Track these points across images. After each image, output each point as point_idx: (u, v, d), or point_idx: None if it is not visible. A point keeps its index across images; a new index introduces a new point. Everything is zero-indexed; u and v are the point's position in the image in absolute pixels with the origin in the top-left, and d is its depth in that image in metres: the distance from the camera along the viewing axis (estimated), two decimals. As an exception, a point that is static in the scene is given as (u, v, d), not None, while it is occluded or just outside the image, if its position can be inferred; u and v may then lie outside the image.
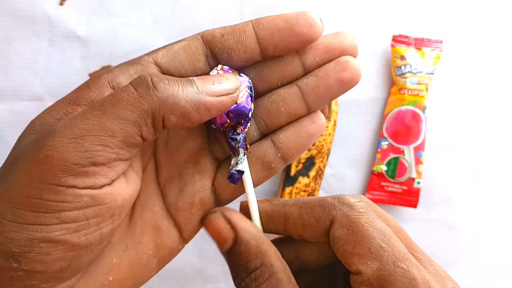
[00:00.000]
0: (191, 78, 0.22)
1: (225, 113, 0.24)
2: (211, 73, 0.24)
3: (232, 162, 0.25)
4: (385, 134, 0.47)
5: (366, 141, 0.49)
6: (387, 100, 0.48)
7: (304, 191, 0.46)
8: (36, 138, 0.21)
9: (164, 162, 0.26)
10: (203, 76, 0.22)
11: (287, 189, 0.45)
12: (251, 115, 0.26)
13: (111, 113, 0.20)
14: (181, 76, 0.24)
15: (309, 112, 0.26)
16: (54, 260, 0.20)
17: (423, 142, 0.47)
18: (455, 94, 0.49)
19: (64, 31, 0.48)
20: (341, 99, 0.47)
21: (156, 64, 0.23)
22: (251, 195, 0.26)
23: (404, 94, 0.47)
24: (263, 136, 0.27)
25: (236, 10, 0.48)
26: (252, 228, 0.24)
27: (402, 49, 0.47)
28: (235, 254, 0.23)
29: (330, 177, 0.48)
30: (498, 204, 0.49)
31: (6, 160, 0.22)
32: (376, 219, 0.22)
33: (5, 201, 0.20)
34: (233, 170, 0.25)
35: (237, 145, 0.25)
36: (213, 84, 0.22)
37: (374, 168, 0.48)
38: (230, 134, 0.25)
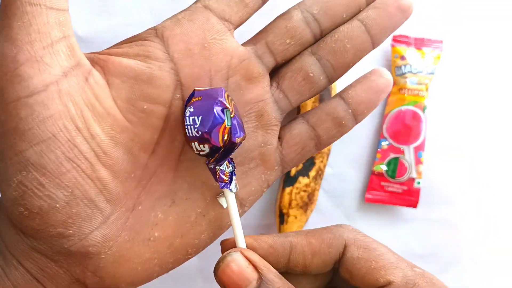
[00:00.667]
0: None
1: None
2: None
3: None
4: (385, 134, 0.47)
5: (366, 141, 0.49)
6: (387, 100, 0.48)
7: (304, 191, 0.46)
8: None
9: None
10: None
11: (287, 189, 0.45)
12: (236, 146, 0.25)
13: None
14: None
15: (374, 46, 0.26)
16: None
17: (423, 142, 0.47)
18: (455, 94, 0.49)
19: (64, 31, 0.48)
20: (341, 99, 0.47)
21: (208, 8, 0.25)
22: (237, 227, 0.25)
23: (404, 94, 0.47)
24: (329, 81, 0.27)
25: (236, 10, 0.48)
26: (272, 268, 0.24)
27: (402, 49, 0.47)
28: None
29: (330, 177, 0.48)
30: (498, 204, 0.49)
31: None
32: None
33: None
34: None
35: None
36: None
37: (374, 168, 0.48)
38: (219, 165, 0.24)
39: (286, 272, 0.25)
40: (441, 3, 0.49)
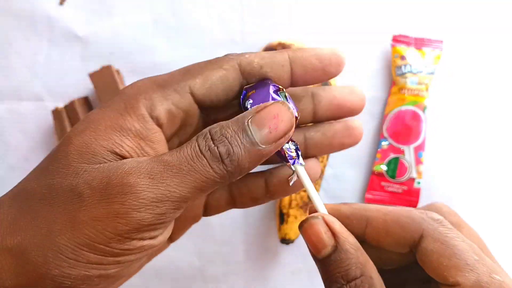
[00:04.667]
0: (245, 122, 0.22)
1: None
2: (271, 93, 0.24)
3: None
4: (385, 134, 0.47)
5: (366, 141, 0.49)
6: (387, 100, 0.48)
7: (304, 191, 0.45)
8: (106, 184, 0.21)
9: None
10: (257, 119, 0.22)
11: (287, 189, 0.45)
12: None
13: (188, 183, 0.21)
14: (212, 104, 0.25)
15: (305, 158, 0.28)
16: (100, 287, 0.22)
17: (423, 142, 0.47)
18: (455, 94, 0.49)
19: (64, 31, 0.48)
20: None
21: (192, 94, 0.24)
22: (316, 197, 0.26)
23: (404, 94, 0.47)
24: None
25: (236, 10, 0.48)
26: (351, 238, 0.24)
27: (402, 49, 0.47)
28: (334, 261, 0.23)
29: (330, 177, 0.48)
30: (498, 204, 0.49)
31: (45, 164, 0.22)
32: (463, 235, 0.24)
33: (67, 238, 0.20)
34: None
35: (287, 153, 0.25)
36: (270, 132, 0.22)
37: (374, 168, 0.48)
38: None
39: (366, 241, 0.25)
40: (441, 3, 0.49)
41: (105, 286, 0.22)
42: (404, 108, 0.47)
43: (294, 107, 0.25)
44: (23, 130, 0.46)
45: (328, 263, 0.23)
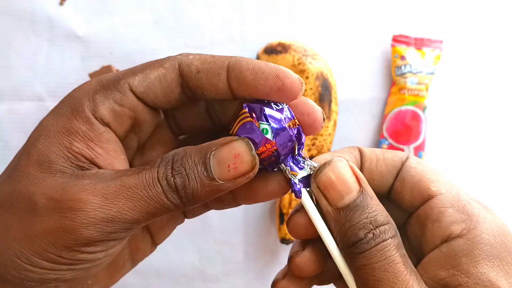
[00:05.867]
0: (207, 155, 0.22)
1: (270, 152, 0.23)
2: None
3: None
4: (385, 134, 0.47)
5: (366, 141, 0.49)
6: (387, 100, 0.48)
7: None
8: (60, 197, 0.21)
9: None
10: (219, 155, 0.22)
11: (287, 189, 0.45)
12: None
13: (141, 208, 0.21)
14: (154, 104, 0.24)
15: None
16: None
17: (423, 142, 0.47)
18: (455, 94, 0.49)
19: (64, 31, 0.48)
20: (341, 99, 0.47)
21: (132, 91, 0.23)
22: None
23: (404, 94, 0.47)
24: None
25: (236, 10, 0.48)
26: (369, 185, 0.23)
27: (402, 49, 0.47)
28: (360, 207, 0.22)
29: (330, 177, 0.48)
30: (497, 204, 0.49)
31: (8, 172, 0.23)
32: None
33: (21, 245, 0.21)
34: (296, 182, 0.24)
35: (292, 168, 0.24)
36: (229, 171, 0.22)
37: (374, 168, 0.48)
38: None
39: None
40: (441, 3, 0.49)
41: (68, 286, 0.22)
42: (404, 108, 0.47)
43: (292, 135, 0.23)
44: (23, 130, 0.46)
45: (352, 209, 0.22)
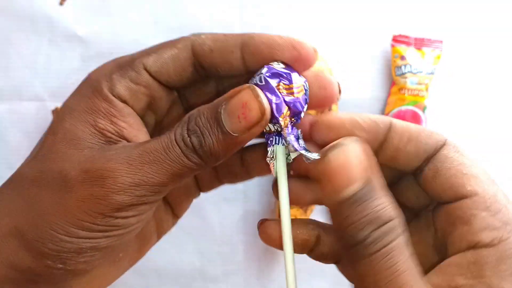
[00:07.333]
0: (218, 109, 0.22)
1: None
2: (274, 65, 0.24)
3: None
4: (385, 134, 0.47)
5: (366, 141, 0.49)
6: (387, 100, 0.48)
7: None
8: (89, 168, 0.22)
9: None
10: (229, 107, 0.22)
11: (287, 189, 0.45)
12: (302, 115, 0.24)
13: (165, 170, 0.22)
14: (167, 82, 0.25)
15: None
16: (96, 259, 0.23)
17: (423, 142, 0.47)
18: (455, 94, 0.49)
19: (64, 31, 0.48)
20: (341, 99, 0.47)
21: (147, 70, 0.24)
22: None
23: (404, 94, 0.47)
24: None
25: (236, 10, 0.48)
26: (380, 172, 0.21)
27: (402, 49, 0.47)
28: (364, 201, 0.19)
29: (330, 177, 0.48)
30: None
31: (36, 152, 0.23)
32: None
33: (56, 217, 0.21)
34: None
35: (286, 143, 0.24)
36: (240, 122, 0.22)
37: (374, 168, 0.48)
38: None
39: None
40: (441, 3, 0.49)
41: (102, 257, 0.23)
42: (404, 108, 0.47)
43: (295, 100, 0.23)
44: (23, 130, 0.46)
45: (354, 203, 0.19)
